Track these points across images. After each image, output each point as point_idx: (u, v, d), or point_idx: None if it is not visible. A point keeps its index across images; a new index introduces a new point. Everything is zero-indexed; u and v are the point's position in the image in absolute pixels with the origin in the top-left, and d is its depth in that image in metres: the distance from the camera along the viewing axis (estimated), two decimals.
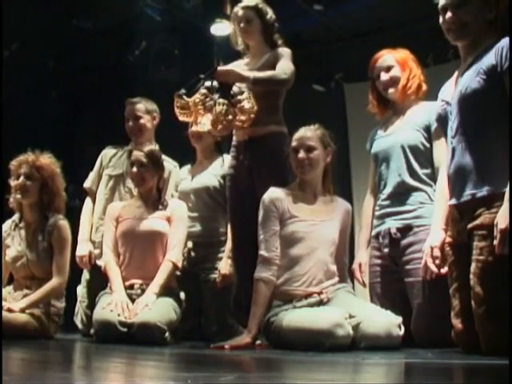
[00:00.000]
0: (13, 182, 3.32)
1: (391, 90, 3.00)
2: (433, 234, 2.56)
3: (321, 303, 2.72)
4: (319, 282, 2.77)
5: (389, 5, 5.09)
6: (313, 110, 5.00)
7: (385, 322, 2.54)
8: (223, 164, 3.65)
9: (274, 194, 2.87)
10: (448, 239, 2.43)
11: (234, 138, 3.27)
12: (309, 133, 2.90)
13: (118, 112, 3.86)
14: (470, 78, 2.26)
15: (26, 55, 5.41)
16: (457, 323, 2.31)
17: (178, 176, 3.77)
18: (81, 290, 3.71)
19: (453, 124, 2.33)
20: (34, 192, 3.31)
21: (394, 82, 2.99)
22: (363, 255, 3.06)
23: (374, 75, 3.07)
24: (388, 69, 3.00)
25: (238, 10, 3.27)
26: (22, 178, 3.29)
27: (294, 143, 2.89)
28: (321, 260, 2.79)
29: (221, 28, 5.11)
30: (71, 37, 5.52)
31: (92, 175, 3.81)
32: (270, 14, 3.27)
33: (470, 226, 2.25)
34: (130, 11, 5.44)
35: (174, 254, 3.21)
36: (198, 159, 3.82)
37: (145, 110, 3.74)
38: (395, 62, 3.00)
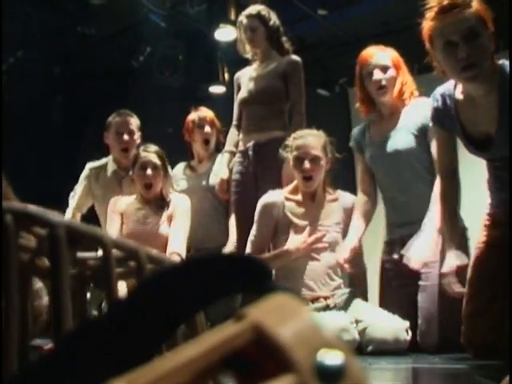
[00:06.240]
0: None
1: (385, 94, 2.80)
2: (446, 260, 2.33)
3: (327, 308, 2.71)
4: (325, 286, 2.76)
5: (393, 9, 5.09)
6: (317, 114, 4.98)
7: (392, 326, 2.53)
8: None
9: (270, 198, 2.84)
10: (483, 238, 2.30)
11: (240, 143, 3.26)
12: (313, 141, 2.79)
13: None
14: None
15: (31, 62, 5.43)
16: (467, 326, 2.27)
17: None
18: None
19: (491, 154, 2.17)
20: None
21: (390, 84, 2.79)
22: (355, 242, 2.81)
23: (364, 72, 2.83)
24: (384, 68, 2.80)
25: (243, 18, 3.30)
26: None
27: (296, 152, 2.78)
28: (326, 264, 2.78)
29: (225, 33, 5.11)
30: (75, 43, 5.55)
31: (78, 197, 3.43)
32: (274, 19, 3.29)
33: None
34: (133, 17, 5.46)
35: (178, 246, 3.00)
36: (197, 161, 3.70)
37: (136, 125, 3.45)
38: (391, 63, 2.82)
